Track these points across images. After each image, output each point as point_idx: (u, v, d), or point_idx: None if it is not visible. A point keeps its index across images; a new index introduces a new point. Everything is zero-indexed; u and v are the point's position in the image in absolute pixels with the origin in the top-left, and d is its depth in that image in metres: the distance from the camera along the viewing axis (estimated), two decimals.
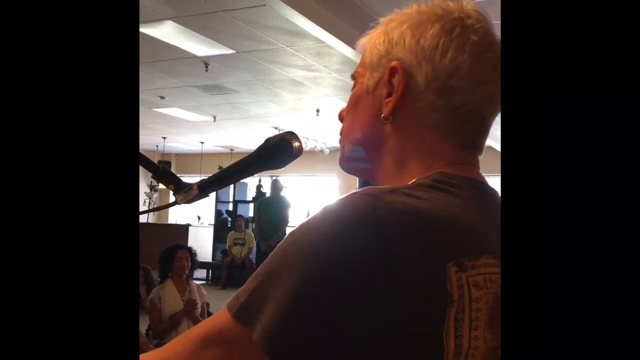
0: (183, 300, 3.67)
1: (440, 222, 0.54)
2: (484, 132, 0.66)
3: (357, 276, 0.50)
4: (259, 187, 10.31)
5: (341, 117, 0.73)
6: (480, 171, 0.66)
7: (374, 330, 0.49)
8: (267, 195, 8.53)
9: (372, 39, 0.68)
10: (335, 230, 0.52)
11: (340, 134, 0.73)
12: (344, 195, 0.55)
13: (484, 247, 0.56)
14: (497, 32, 0.63)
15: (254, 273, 0.56)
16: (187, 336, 0.57)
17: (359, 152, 0.69)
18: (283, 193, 7.97)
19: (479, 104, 0.63)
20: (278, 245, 0.55)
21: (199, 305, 3.69)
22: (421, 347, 0.50)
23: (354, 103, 0.70)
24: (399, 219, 0.52)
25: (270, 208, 7.79)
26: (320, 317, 0.50)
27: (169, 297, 3.67)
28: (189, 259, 3.81)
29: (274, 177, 8.27)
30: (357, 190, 0.55)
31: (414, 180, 0.61)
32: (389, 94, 0.64)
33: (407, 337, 0.50)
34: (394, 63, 0.64)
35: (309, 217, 0.55)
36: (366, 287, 0.50)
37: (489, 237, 0.57)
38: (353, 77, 0.71)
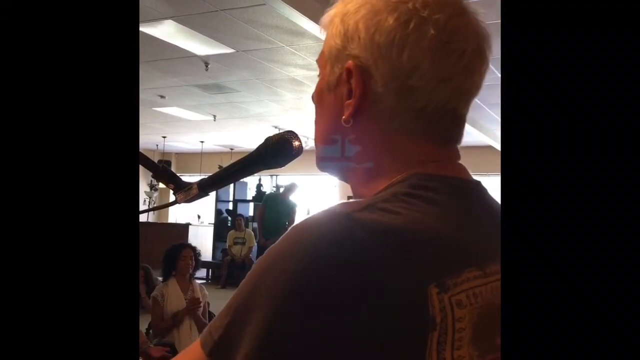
0: (186, 299, 3.68)
1: (419, 241, 0.51)
2: (458, 123, 0.61)
3: (334, 308, 0.47)
4: (259, 186, 10.31)
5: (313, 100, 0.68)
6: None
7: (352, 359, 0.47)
8: (277, 191, 8.45)
9: (331, 25, 0.62)
10: (309, 259, 0.49)
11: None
12: (315, 215, 0.52)
13: (466, 260, 0.53)
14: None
15: (226, 305, 0.53)
16: None
17: (326, 154, 0.65)
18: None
19: (446, 100, 0.58)
20: (249, 273, 0.53)
21: (201, 305, 3.70)
22: None
23: (318, 99, 0.65)
24: (375, 241, 0.49)
25: (277, 207, 7.72)
26: (296, 352, 0.48)
27: (172, 296, 3.67)
28: (193, 257, 3.81)
29: (274, 177, 8.18)
30: (330, 209, 0.52)
31: (388, 184, 0.58)
32: (350, 94, 0.59)
33: None
34: (349, 63, 0.59)
35: (281, 238, 0.52)
36: (344, 319, 0.47)
37: (471, 245, 0.54)
38: (317, 63, 0.66)
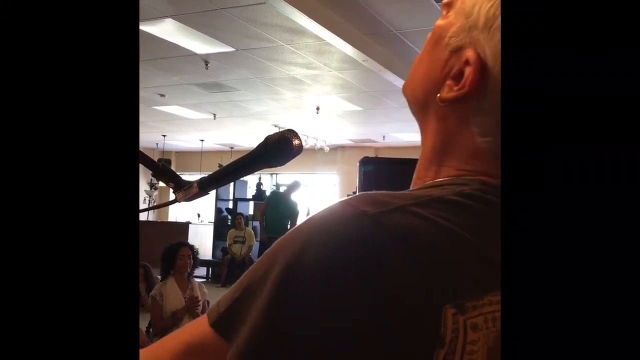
0: (185, 298, 3.68)
1: (448, 257, 0.48)
2: None
3: (341, 307, 0.46)
4: (259, 185, 10.31)
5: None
6: None
7: None
8: (280, 190, 8.42)
9: None
10: (324, 259, 0.47)
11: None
12: (342, 206, 0.50)
13: (495, 283, 0.49)
14: None
15: (238, 281, 0.53)
16: (170, 343, 0.55)
17: (410, 101, 0.62)
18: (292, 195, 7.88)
19: None
20: (266, 252, 0.52)
21: (200, 303, 3.71)
22: None
23: (434, 39, 0.59)
24: (398, 253, 0.47)
25: (279, 207, 7.70)
26: (298, 346, 0.47)
27: (171, 295, 3.68)
28: (192, 257, 3.82)
29: (274, 176, 8.15)
30: (357, 203, 0.50)
31: (448, 179, 0.55)
32: (458, 78, 0.55)
33: None
34: (472, 55, 0.53)
35: (302, 222, 0.51)
36: (350, 321, 0.46)
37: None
38: None
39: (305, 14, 3.92)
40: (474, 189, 0.53)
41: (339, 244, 0.48)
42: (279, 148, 0.72)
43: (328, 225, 0.49)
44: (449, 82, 0.56)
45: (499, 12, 0.53)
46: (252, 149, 0.74)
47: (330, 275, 0.47)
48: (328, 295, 0.47)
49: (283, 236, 0.52)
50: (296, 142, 0.72)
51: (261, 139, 0.73)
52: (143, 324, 3.83)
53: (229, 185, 10.12)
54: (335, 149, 11.34)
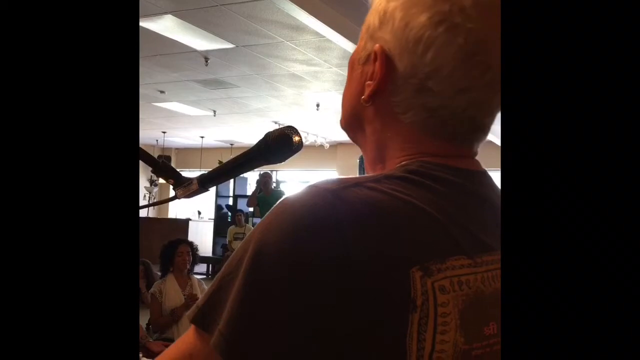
0: (184, 295, 3.68)
1: (406, 224, 0.51)
2: (477, 129, 0.60)
3: (313, 281, 0.48)
4: (258, 182, 10.30)
5: None
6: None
7: (329, 335, 0.48)
8: (261, 192, 8.39)
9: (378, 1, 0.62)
10: (292, 232, 0.50)
11: None
12: (303, 189, 0.53)
13: (454, 248, 0.53)
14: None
15: (217, 275, 0.54)
16: None
17: (346, 122, 0.67)
18: (280, 188, 7.82)
19: (462, 109, 0.57)
20: (240, 244, 0.54)
21: None
22: (382, 351, 0.49)
23: (350, 67, 0.66)
24: (359, 220, 0.50)
25: (267, 208, 7.71)
26: (273, 320, 0.49)
27: (170, 292, 3.68)
28: (191, 253, 3.81)
29: (262, 172, 7.98)
30: (319, 184, 0.53)
31: (392, 169, 0.58)
32: (372, 76, 0.60)
33: (367, 341, 0.48)
34: (377, 46, 0.59)
35: (270, 211, 0.53)
36: (321, 292, 0.48)
37: (463, 235, 0.54)
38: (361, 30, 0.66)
39: (305, 10, 3.91)
40: (417, 166, 0.57)
41: (304, 217, 0.50)
42: (279, 145, 0.72)
43: (294, 203, 0.52)
44: (367, 83, 0.61)
45: (384, 3, 0.60)
46: (252, 145, 0.74)
47: (297, 245, 0.49)
48: (297, 264, 0.49)
49: (251, 232, 0.54)
50: (296, 138, 0.72)
51: (261, 136, 0.73)
52: (143, 321, 3.83)
53: (229, 182, 10.13)
54: (335, 145, 11.34)
